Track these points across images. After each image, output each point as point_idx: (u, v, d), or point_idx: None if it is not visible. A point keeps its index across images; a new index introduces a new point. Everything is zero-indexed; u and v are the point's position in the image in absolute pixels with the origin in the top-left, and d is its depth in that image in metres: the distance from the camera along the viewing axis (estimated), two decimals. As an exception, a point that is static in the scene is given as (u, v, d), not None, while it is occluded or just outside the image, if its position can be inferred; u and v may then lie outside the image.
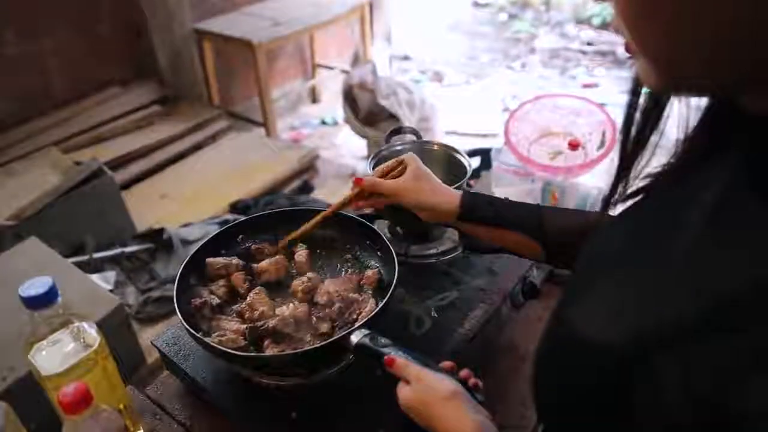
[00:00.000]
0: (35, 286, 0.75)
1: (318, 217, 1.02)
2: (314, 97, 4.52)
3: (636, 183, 0.53)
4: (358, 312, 0.90)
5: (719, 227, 0.40)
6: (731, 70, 0.38)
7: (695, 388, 0.35)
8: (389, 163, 0.97)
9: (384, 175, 0.96)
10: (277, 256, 1.04)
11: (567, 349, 0.48)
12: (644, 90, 0.48)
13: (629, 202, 0.55)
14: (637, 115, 0.49)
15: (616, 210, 0.57)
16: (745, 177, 0.40)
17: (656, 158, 0.51)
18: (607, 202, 0.56)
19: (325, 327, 0.89)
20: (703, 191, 0.43)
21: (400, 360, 0.72)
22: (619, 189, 0.54)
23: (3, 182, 2.49)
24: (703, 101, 0.46)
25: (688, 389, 0.35)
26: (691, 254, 0.40)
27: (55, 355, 0.77)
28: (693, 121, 0.47)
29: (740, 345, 0.34)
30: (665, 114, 0.48)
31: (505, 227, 0.88)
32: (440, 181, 0.94)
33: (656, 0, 0.36)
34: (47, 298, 0.75)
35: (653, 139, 0.50)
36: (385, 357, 0.74)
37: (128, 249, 2.42)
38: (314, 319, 0.91)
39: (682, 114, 0.47)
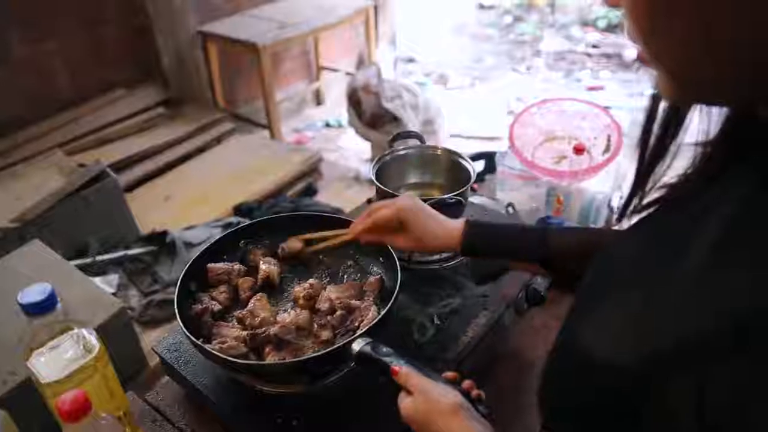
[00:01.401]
0: (34, 293, 0.74)
1: (334, 242, 1.02)
2: (318, 100, 4.52)
3: (652, 193, 0.52)
4: (360, 319, 0.89)
5: (736, 243, 0.39)
6: (746, 80, 0.37)
7: (710, 410, 0.34)
8: (385, 219, 0.91)
9: (381, 229, 0.93)
10: (268, 258, 1.05)
11: (577, 368, 0.47)
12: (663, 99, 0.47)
13: (644, 213, 0.54)
14: (656, 125, 0.48)
15: (631, 220, 0.55)
16: (763, 190, 0.39)
17: (674, 166, 0.50)
18: (623, 212, 0.55)
19: (326, 334, 0.89)
20: (720, 205, 0.42)
21: (404, 370, 0.72)
22: (635, 199, 0.53)
23: (7, 184, 2.50)
24: (723, 110, 0.45)
25: (703, 410, 0.34)
26: (707, 271, 0.39)
27: (54, 361, 0.77)
28: (712, 130, 0.46)
29: (759, 365, 0.33)
30: (685, 123, 0.47)
31: (508, 258, 0.89)
32: (438, 218, 0.91)
33: (671, 12, 0.36)
34: (46, 305, 0.75)
35: (671, 148, 0.49)
36: (392, 367, 0.73)
37: (131, 252, 2.42)
38: (316, 326, 0.90)
39: (702, 122, 0.46)
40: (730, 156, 0.45)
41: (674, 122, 0.47)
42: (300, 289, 0.97)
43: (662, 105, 0.47)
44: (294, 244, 1.05)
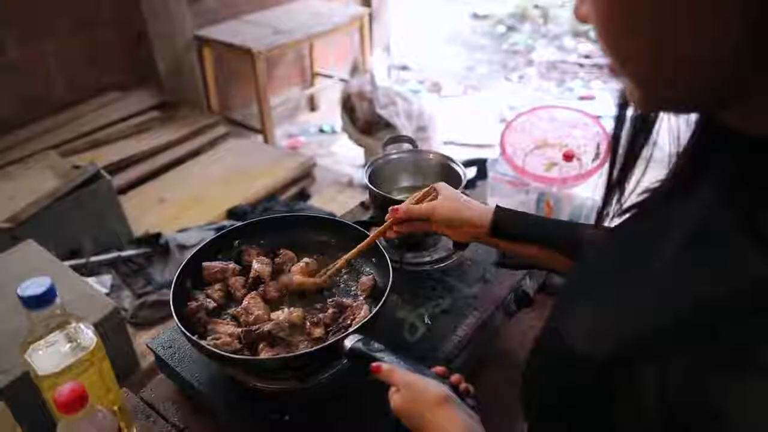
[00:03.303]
0: (34, 286, 0.76)
1: (356, 249, 1.00)
2: (313, 105, 4.54)
3: (632, 198, 0.54)
4: (352, 317, 0.91)
5: (699, 246, 0.41)
6: (709, 89, 0.39)
7: (672, 398, 0.36)
8: (422, 191, 0.99)
9: (418, 202, 0.98)
10: (261, 258, 1.06)
11: (558, 362, 0.49)
12: (632, 105, 0.49)
13: (625, 216, 0.56)
14: (625, 131, 0.50)
15: (613, 223, 0.58)
16: (726, 196, 0.41)
17: (654, 171, 0.52)
18: (600, 217, 0.57)
19: (318, 332, 0.90)
20: (688, 210, 0.44)
21: (386, 366, 0.73)
22: (613, 204, 0.55)
23: (1, 185, 2.50)
24: (693, 117, 0.47)
25: (665, 398, 0.37)
26: (669, 271, 0.42)
27: (51, 355, 0.78)
28: (684, 136, 0.48)
29: (716, 355, 0.35)
30: (655, 129, 0.49)
31: (538, 244, 0.89)
32: (472, 199, 0.96)
33: (633, 23, 0.37)
34: (45, 299, 0.76)
35: (646, 153, 0.51)
36: (372, 365, 0.75)
37: (125, 253, 2.43)
38: (308, 324, 0.92)
39: (673, 128, 0.48)
40: (698, 163, 0.47)
41: (643, 130, 0.49)
42: (297, 269, 1.01)
43: (630, 113, 0.48)
44: (300, 279, 1.02)
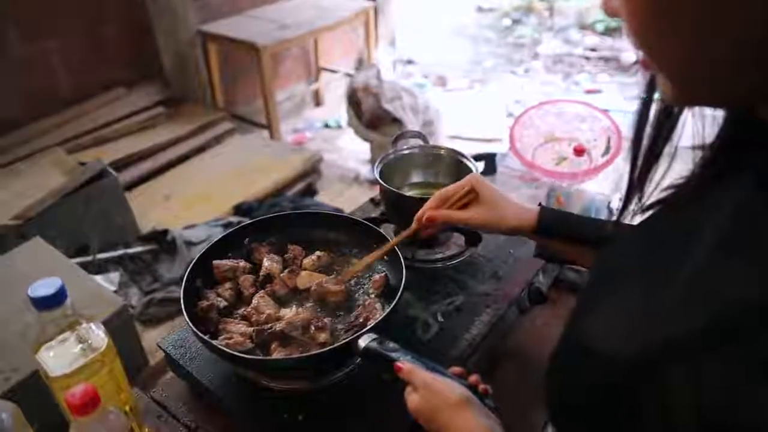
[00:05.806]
0: (44, 287, 0.75)
1: (380, 251, 0.98)
2: (318, 100, 4.53)
3: (654, 194, 0.52)
4: (365, 316, 0.90)
5: (731, 245, 0.40)
6: (745, 85, 0.38)
7: (703, 400, 0.35)
8: (455, 188, 0.93)
9: (449, 201, 0.93)
10: (272, 255, 1.05)
11: (578, 359, 0.48)
12: (655, 101, 0.48)
13: (648, 213, 0.54)
14: (648, 128, 0.49)
15: (634, 220, 0.56)
16: (759, 194, 0.40)
17: (675, 168, 0.51)
18: (621, 215, 0.56)
19: (323, 336, 0.88)
20: (719, 207, 0.43)
21: (407, 365, 0.72)
22: (635, 201, 0.54)
23: (7, 182, 2.50)
24: (720, 112, 0.46)
25: (696, 401, 0.36)
26: (705, 271, 0.40)
27: (62, 355, 0.77)
28: (708, 132, 0.47)
29: (749, 357, 0.34)
30: (678, 126, 0.48)
31: (582, 244, 0.87)
32: (509, 198, 0.92)
33: (671, 20, 0.36)
34: (56, 299, 0.75)
35: (669, 149, 0.49)
36: (395, 364, 0.74)
37: (132, 250, 2.43)
38: (313, 328, 0.89)
39: (697, 125, 0.47)
40: (730, 158, 0.46)
41: (666, 126, 0.48)
42: (309, 263, 1.01)
43: (654, 109, 0.47)
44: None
